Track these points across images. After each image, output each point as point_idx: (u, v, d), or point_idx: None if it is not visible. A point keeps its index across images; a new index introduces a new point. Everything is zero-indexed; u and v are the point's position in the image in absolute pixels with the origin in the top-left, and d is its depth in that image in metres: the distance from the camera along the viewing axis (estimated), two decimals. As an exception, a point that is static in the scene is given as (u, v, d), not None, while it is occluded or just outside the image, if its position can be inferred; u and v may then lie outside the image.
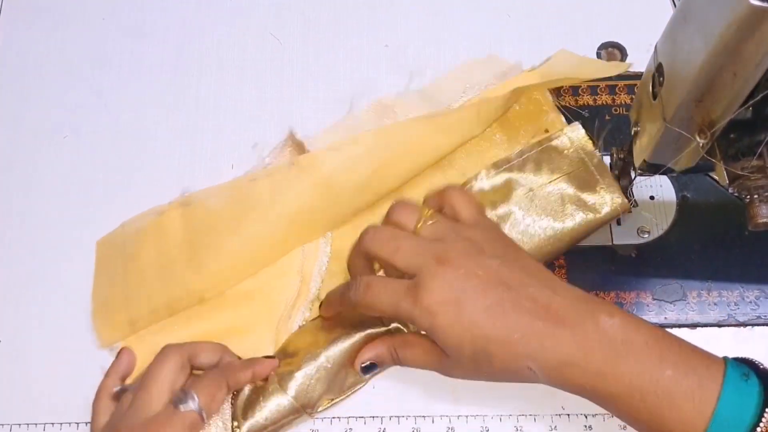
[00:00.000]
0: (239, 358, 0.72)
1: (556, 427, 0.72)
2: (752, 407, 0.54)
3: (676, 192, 0.79)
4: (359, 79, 0.88)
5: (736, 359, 0.58)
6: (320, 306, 0.73)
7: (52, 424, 0.74)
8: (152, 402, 0.64)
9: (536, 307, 0.61)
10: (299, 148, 0.82)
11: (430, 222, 0.66)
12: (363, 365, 0.70)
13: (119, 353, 0.73)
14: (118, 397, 0.68)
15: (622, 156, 0.72)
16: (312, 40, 0.91)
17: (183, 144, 0.86)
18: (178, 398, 0.64)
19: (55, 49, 0.91)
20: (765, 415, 0.54)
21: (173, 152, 0.85)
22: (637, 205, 0.78)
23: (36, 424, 0.74)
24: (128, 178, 0.84)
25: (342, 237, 0.78)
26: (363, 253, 0.67)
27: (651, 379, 0.57)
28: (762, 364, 0.57)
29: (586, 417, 0.72)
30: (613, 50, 0.87)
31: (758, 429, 0.53)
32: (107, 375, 0.72)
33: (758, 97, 0.51)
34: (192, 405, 0.64)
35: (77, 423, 0.74)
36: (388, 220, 0.68)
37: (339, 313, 0.72)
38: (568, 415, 0.72)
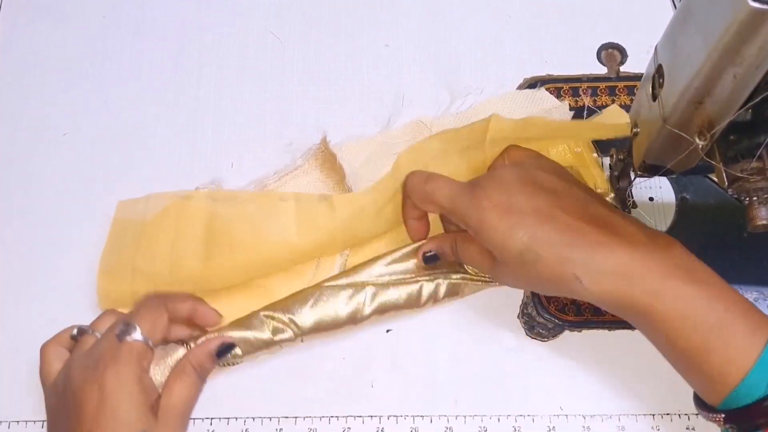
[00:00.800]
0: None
1: (554, 427, 0.72)
2: None
3: (676, 193, 0.79)
4: (360, 80, 0.88)
5: None
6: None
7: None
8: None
9: (590, 217, 0.63)
10: (330, 157, 0.81)
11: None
12: (427, 254, 0.73)
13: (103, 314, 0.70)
14: (72, 342, 0.67)
15: (621, 157, 0.72)
16: (312, 39, 0.91)
17: (183, 142, 0.86)
18: (120, 330, 0.63)
19: (56, 47, 0.91)
20: None
21: (173, 150, 0.85)
22: (637, 206, 0.78)
23: (35, 422, 0.75)
24: (127, 175, 0.84)
25: (357, 254, 0.78)
26: (415, 195, 0.71)
27: (708, 308, 0.58)
28: None
29: (584, 417, 0.72)
30: (613, 51, 0.87)
31: None
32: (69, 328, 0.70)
33: (758, 99, 0.51)
34: (135, 335, 0.63)
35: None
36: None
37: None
38: (566, 415, 0.72)
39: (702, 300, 0.58)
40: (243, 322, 0.71)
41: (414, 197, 0.70)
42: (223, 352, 0.68)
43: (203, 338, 0.69)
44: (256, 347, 0.70)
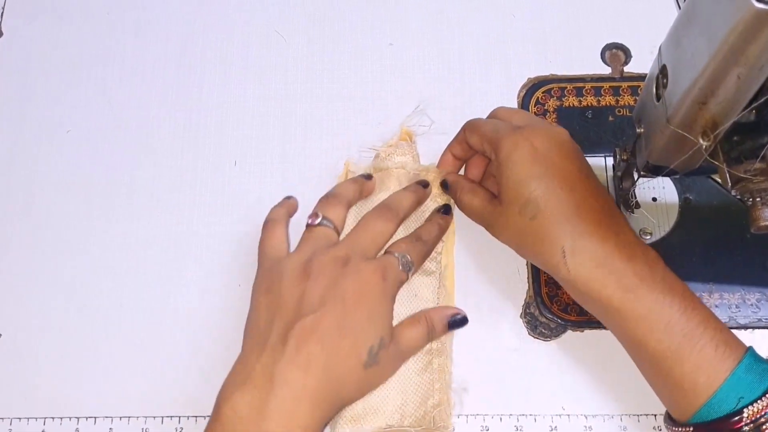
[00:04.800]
0: None
1: (556, 427, 0.72)
2: (759, 389, 0.56)
3: (679, 194, 0.79)
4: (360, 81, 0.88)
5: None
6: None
7: (52, 418, 0.75)
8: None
9: (601, 207, 0.66)
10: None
11: None
12: (444, 182, 0.79)
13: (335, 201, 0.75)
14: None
15: (625, 157, 0.72)
16: (316, 38, 0.91)
17: (186, 140, 0.86)
18: (404, 262, 0.70)
19: (59, 44, 0.92)
20: (764, 398, 0.55)
21: (176, 148, 0.86)
22: (640, 207, 0.78)
23: (36, 419, 0.75)
24: (130, 173, 0.85)
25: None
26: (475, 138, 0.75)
27: (683, 316, 0.59)
28: None
29: (586, 417, 0.72)
30: (617, 51, 0.87)
31: (756, 404, 0.55)
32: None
33: (762, 100, 0.51)
34: (410, 270, 0.71)
35: (77, 417, 0.75)
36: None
37: None
38: (569, 415, 0.72)
39: (677, 308, 0.59)
40: None
41: (467, 127, 0.76)
42: (456, 324, 0.72)
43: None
44: None
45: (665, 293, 0.60)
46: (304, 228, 0.72)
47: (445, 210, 0.78)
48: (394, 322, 0.69)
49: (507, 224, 0.69)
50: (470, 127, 0.75)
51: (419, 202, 0.78)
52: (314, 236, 0.71)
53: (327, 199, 0.74)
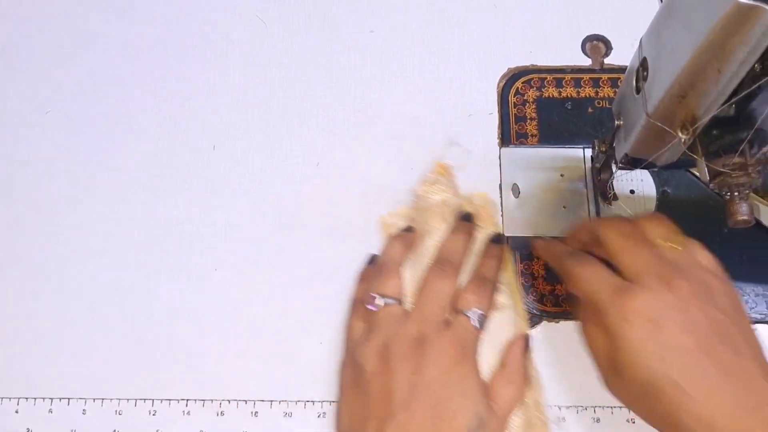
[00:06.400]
0: None
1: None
2: None
3: (657, 187, 0.79)
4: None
5: None
6: (533, 240, 0.77)
7: (26, 398, 0.75)
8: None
9: (736, 381, 0.56)
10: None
11: (677, 246, 0.63)
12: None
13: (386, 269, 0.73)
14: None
15: (603, 149, 0.72)
16: (297, 24, 0.90)
17: (165, 123, 0.86)
18: (479, 318, 0.69)
19: (41, 26, 0.91)
20: None
21: (155, 131, 0.85)
22: (617, 199, 0.78)
23: (9, 399, 0.75)
24: (109, 155, 0.84)
25: None
26: (594, 232, 0.66)
27: None
28: None
29: (559, 408, 0.72)
30: (597, 43, 0.87)
31: None
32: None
33: (742, 95, 0.51)
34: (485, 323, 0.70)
35: (50, 398, 0.75)
36: (637, 222, 0.65)
37: None
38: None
39: None
40: None
41: (562, 270, 0.68)
42: (527, 346, 0.71)
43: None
44: None
45: None
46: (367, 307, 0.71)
47: (498, 239, 0.76)
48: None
49: (626, 394, 0.61)
50: (566, 268, 0.67)
51: (471, 241, 0.75)
52: (381, 318, 0.69)
53: (380, 275, 0.72)
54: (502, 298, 0.73)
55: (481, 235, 0.76)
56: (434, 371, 0.64)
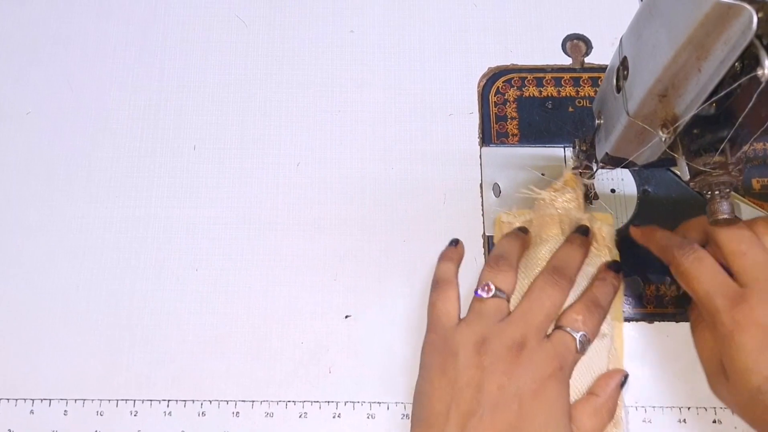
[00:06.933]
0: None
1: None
2: None
3: (638, 186, 0.80)
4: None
5: None
6: (632, 227, 0.74)
7: (8, 400, 0.74)
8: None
9: None
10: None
11: None
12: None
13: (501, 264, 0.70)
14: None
15: (584, 148, 0.72)
16: (277, 23, 0.90)
17: (145, 123, 0.85)
18: (583, 341, 0.66)
19: (20, 25, 0.90)
20: None
21: (135, 131, 0.85)
22: (598, 198, 0.78)
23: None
24: (89, 155, 0.84)
25: None
26: (707, 231, 0.66)
27: None
28: None
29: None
30: (578, 42, 0.87)
31: None
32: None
33: (722, 94, 0.51)
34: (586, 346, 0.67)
35: (32, 399, 0.74)
36: (754, 226, 0.65)
37: None
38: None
39: None
40: None
41: (673, 264, 0.67)
42: (623, 385, 0.68)
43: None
44: None
45: None
46: (472, 299, 0.69)
47: (617, 267, 0.71)
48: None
49: (736, 399, 0.61)
50: (680, 265, 0.65)
51: (585, 257, 0.72)
52: (486, 308, 0.67)
53: (497, 264, 0.69)
54: (604, 326, 0.70)
55: (597, 259, 0.73)
56: (527, 380, 0.62)
